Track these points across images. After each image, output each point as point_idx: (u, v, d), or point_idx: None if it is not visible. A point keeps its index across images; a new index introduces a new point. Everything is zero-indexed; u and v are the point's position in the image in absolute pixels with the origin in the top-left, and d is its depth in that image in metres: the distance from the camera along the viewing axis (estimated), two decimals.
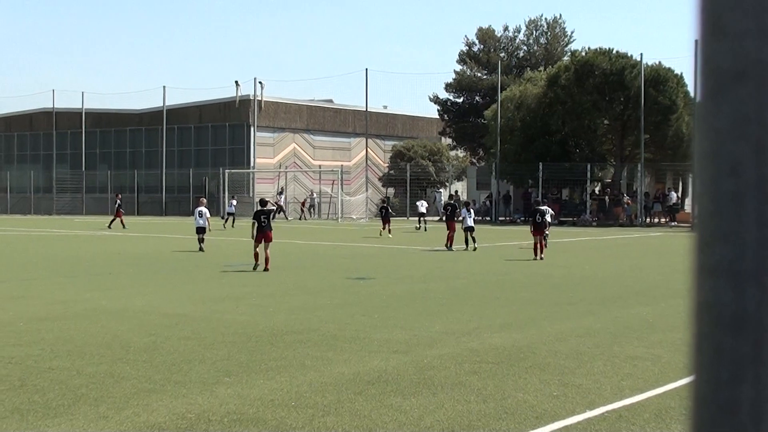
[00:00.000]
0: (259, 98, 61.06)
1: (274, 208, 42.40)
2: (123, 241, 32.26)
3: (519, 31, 68.21)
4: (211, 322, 11.77)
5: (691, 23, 0.90)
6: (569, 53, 58.78)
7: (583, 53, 51.13)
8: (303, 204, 58.69)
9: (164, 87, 64.38)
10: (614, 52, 49.47)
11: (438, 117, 68.20)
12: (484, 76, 66.04)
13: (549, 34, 67.82)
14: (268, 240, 20.03)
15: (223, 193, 56.49)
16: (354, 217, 55.59)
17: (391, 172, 60.72)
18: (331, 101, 68.83)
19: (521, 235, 35.86)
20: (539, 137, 50.10)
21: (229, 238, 33.35)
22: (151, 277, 18.65)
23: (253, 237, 20.35)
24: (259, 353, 9.54)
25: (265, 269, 19.59)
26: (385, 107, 70.18)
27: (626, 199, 49.00)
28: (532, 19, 68.53)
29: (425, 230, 40.00)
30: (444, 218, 31.44)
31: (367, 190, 59.37)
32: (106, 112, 68.44)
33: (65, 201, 68.51)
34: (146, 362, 9.04)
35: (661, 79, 47.62)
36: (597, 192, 53.38)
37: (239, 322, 11.84)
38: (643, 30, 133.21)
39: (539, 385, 8.09)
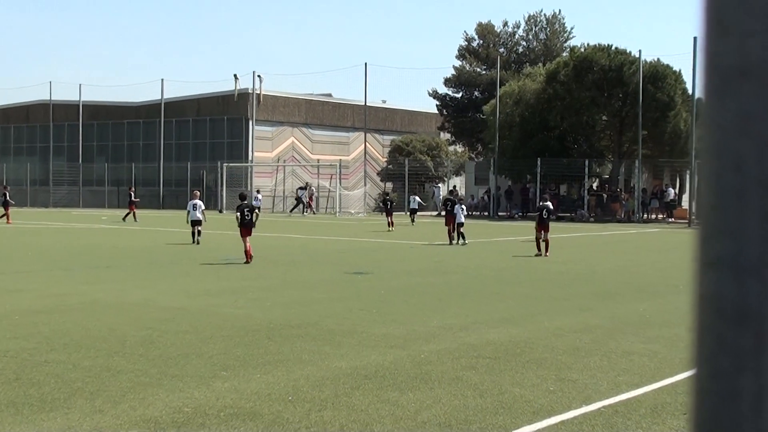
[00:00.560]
0: (258, 92, 61.00)
1: (259, 203, 42.43)
2: (120, 234, 32.25)
3: (518, 27, 68.24)
4: (208, 316, 11.77)
5: (696, 20, 0.91)
6: (568, 49, 58.83)
7: (582, 49, 51.16)
8: (310, 199, 58.59)
9: (162, 80, 64.35)
10: (613, 48, 49.49)
11: (437, 112, 68.20)
12: (483, 72, 66.03)
13: (548, 29, 67.82)
14: (249, 234, 20.35)
15: (221, 186, 56.52)
16: (352, 212, 55.60)
17: (390, 166, 60.73)
18: (330, 95, 68.79)
19: (519, 230, 35.90)
20: (538, 133, 50.14)
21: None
22: (148, 270, 18.65)
23: (239, 229, 20.59)
24: (256, 347, 9.54)
25: (246, 261, 19.82)
26: (384, 102, 70.19)
27: (624, 195, 49.08)
28: (532, 14, 68.70)
29: (412, 223, 40.54)
30: (443, 213, 31.53)
31: (365, 185, 59.37)
32: (103, 104, 68.34)
33: (62, 194, 68.47)
34: (143, 356, 9.04)
35: (660, 75, 47.67)
36: (595, 188, 53.44)
37: (236, 316, 11.85)
38: (642, 26, 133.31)
39: (536, 380, 8.11)
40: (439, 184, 60.12)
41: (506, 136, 51.65)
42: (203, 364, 8.62)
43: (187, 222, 27.04)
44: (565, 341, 10.11)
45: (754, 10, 0.85)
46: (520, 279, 17.38)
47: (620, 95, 48.80)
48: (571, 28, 69.00)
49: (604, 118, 50.81)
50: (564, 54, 58.15)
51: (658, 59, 49.13)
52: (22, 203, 67.58)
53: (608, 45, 49.78)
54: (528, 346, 9.75)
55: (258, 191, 52.62)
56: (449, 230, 27.74)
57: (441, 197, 49.72)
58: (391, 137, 65.63)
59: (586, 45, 51.76)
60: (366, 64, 58.34)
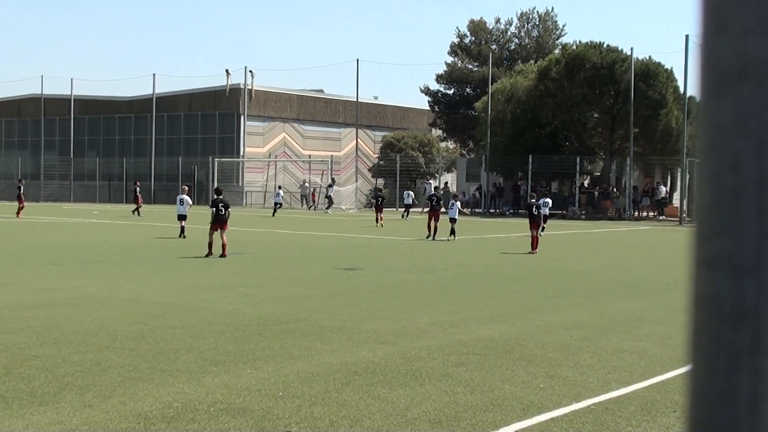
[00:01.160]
0: (250, 87, 60.89)
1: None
2: (111, 229, 32.16)
3: (510, 24, 68.30)
4: (199, 311, 11.75)
5: (693, 19, 0.91)
6: (560, 46, 58.85)
7: (574, 47, 51.19)
8: (313, 194, 58.28)
9: (154, 75, 64.21)
10: (605, 46, 49.56)
11: (428, 108, 68.22)
12: (475, 68, 66.07)
13: (540, 27, 67.89)
14: (224, 228, 20.49)
15: (212, 181, 56.37)
16: (343, 208, 55.54)
17: (381, 162, 60.69)
18: (321, 91, 68.71)
19: (511, 227, 35.93)
20: (529, 130, 50.19)
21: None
22: (139, 265, 18.60)
23: (211, 224, 20.68)
24: (246, 343, 9.53)
25: (222, 255, 19.96)
26: (376, 98, 70.12)
27: (615, 192, 49.20)
28: (524, 11, 68.66)
29: (406, 218, 40.45)
30: (427, 209, 31.65)
31: (356, 181, 59.33)
32: (95, 99, 68.10)
33: (53, 188, 68.23)
34: (133, 351, 9.02)
35: (651, 73, 47.75)
36: (586, 185, 53.53)
37: (227, 311, 11.83)
38: (634, 24, 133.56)
39: (526, 377, 8.12)
40: (431, 181, 60.15)
41: (498, 133, 51.68)
42: (193, 360, 8.60)
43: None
44: (556, 338, 10.13)
45: (751, 10, 0.85)
46: (510, 276, 17.40)
47: (612, 93, 48.88)
48: (563, 26, 69.18)
49: (595, 115, 50.90)
50: (556, 51, 58.20)
51: (650, 57, 49.24)
52: (13, 197, 67.32)
53: (600, 42, 49.86)
54: (518, 343, 9.77)
55: (279, 187, 51.39)
56: (428, 223, 28.03)
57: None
58: (383, 133, 65.62)
59: (578, 42, 51.81)
60: (358, 60, 58.33)
